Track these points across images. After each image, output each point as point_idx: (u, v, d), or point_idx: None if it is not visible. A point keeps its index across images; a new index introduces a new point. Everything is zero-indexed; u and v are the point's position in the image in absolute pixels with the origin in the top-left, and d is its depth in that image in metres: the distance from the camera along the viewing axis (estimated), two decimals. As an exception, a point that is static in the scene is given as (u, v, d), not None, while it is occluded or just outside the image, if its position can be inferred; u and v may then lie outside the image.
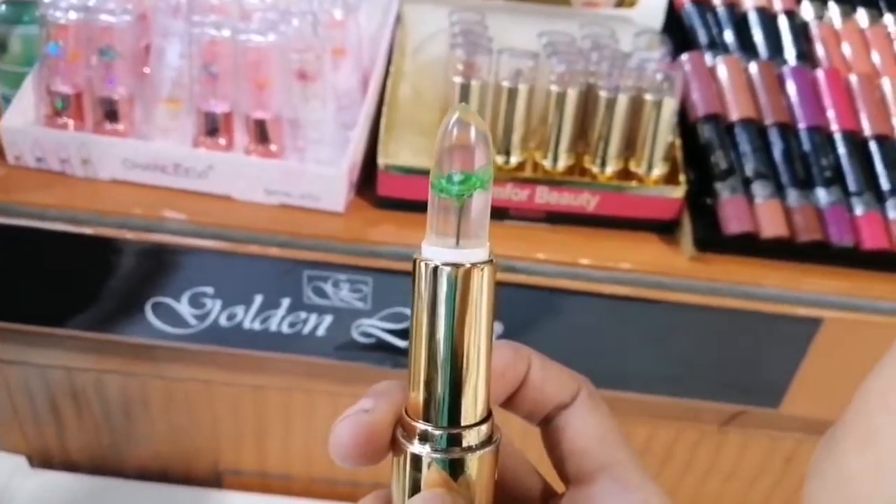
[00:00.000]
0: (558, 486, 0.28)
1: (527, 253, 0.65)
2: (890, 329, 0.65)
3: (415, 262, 0.23)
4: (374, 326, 0.68)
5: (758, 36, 0.78)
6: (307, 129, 0.65)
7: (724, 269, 0.66)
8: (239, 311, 0.67)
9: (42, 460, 0.86)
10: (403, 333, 0.67)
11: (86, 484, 0.84)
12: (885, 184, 0.69)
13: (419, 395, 0.24)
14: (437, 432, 0.24)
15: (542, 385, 0.26)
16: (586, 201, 0.67)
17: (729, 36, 0.78)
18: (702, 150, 0.69)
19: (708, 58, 0.74)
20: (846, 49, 0.78)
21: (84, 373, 0.78)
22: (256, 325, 0.68)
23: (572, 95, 0.66)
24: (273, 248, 0.64)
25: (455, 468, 0.24)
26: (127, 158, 0.65)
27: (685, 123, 0.71)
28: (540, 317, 0.67)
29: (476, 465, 0.24)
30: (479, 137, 0.22)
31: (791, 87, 0.73)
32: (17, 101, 0.66)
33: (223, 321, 0.67)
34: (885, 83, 0.74)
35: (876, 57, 0.77)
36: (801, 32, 0.78)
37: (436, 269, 0.23)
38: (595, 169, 0.68)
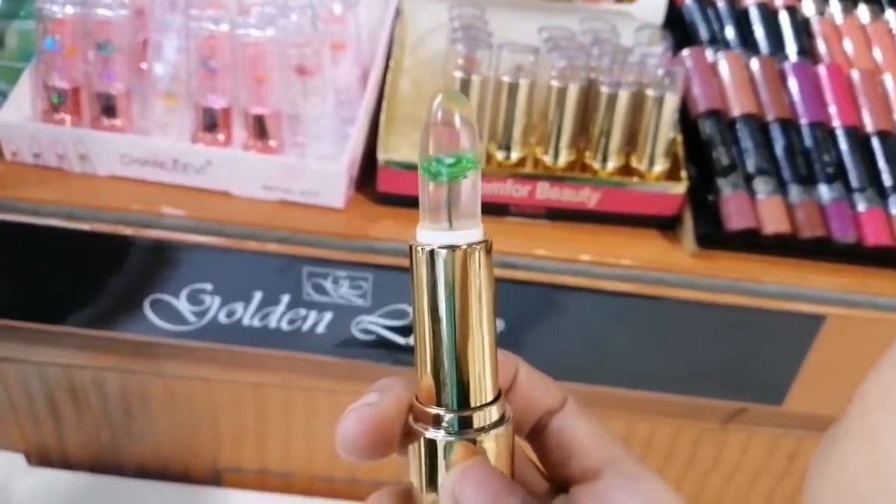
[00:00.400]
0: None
1: (527, 249, 0.65)
2: (893, 325, 0.65)
3: (411, 248, 0.23)
4: (374, 323, 0.67)
5: (759, 31, 0.77)
6: (306, 125, 0.65)
7: (725, 265, 0.66)
8: (238, 307, 0.67)
9: (40, 458, 0.86)
10: (404, 330, 0.67)
11: (84, 482, 0.84)
12: (887, 180, 0.69)
13: (429, 381, 0.24)
14: (450, 415, 0.24)
15: (531, 390, 0.27)
16: (587, 197, 0.67)
17: (730, 31, 0.77)
18: (703, 146, 0.69)
19: (709, 53, 0.74)
20: (848, 45, 0.77)
21: (82, 370, 0.77)
22: (256, 322, 0.67)
23: (573, 91, 0.65)
24: (272, 244, 0.63)
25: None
26: (125, 154, 0.65)
27: (686, 119, 0.70)
28: (541, 314, 0.67)
29: (493, 444, 0.24)
30: (464, 120, 0.23)
31: (792, 83, 0.72)
32: (14, 96, 0.66)
33: (222, 318, 0.67)
34: (887, 79, 0.74)
35: (877, 52, 0.77)
36: (803, 28, 0.78)
37: (432, 252, 0.23)
38: (596, 165, 0.68)
